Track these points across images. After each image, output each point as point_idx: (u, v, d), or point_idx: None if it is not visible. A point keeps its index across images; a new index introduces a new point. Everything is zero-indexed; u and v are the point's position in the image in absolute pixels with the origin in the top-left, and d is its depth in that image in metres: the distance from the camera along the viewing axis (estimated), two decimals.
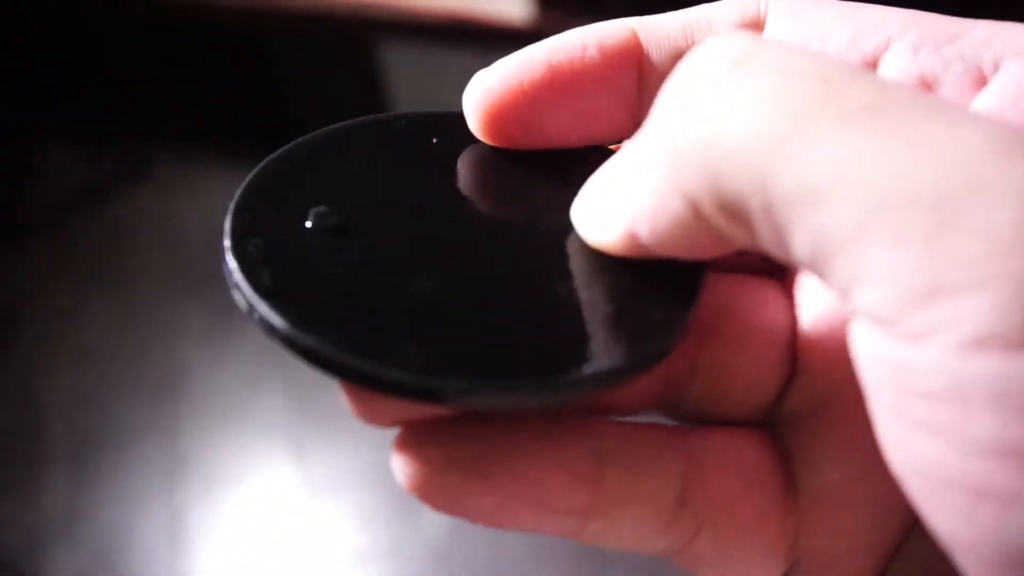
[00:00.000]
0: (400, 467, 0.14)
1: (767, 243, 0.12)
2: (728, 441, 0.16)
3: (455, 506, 0.14)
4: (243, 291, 0.14)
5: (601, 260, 0.15)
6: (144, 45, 1.38)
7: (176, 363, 1.20)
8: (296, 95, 1.32)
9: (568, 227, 0.16)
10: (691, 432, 0.16)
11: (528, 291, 0.15)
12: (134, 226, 1.35)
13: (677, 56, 0.16)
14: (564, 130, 0.16)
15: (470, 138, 0.17)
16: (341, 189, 0.16)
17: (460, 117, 0.17)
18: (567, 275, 0.15)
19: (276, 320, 0.13)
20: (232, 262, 0.14)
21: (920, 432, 0.11)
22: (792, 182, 0.11)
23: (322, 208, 0.15)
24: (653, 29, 0.16)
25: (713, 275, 0.16)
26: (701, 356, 0.16)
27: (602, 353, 0.14)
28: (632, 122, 0.16)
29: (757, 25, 0.16)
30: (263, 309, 0.14)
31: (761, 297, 0.16)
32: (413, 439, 0.15)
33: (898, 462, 0.11)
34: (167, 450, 1.11)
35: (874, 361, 0.11)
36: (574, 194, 0.16)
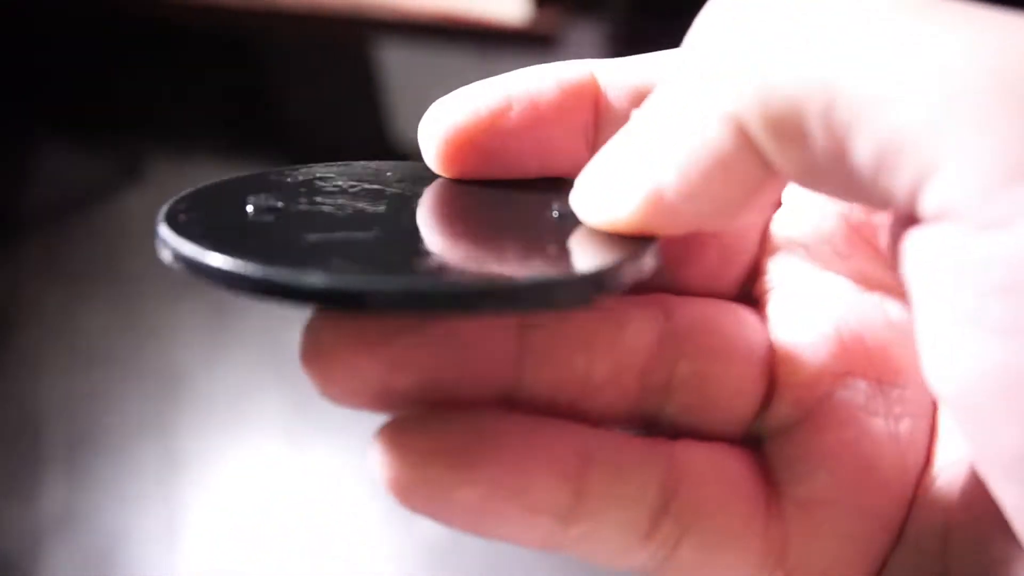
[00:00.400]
0: (380, 460, 0.14)
1: (819, 158, 0.12)
2: (709, 451, 0.16)
3: (437, 501, 0.14)
4: (168, 241, 0.13)
5: (551, 228, 0.15)
6: (137, 45, 1.38)
7: (172, 363, 1.19)
8: (291, 95, 1.32)
9: (516, 222, 0.16)
10: (672, 442, 0.15)
11: (465, 239, 0.15)
12: (128, 226, 1.35)
13: (634, 95, 0.16)
14: (520, 161, 0.16)
15: (428, 175, 0.17)
16: (287, 188, 0.16)
17: (422, 163, 0.17)
18: (509, 235, 0.15)
19: (195, 251, 0.13)
20: (162, 226, 0.14)
21: (998, 335, 0.10)
22: (860, 76, 0.11)
23: (263, 195, 0.15)
24: (611, 71, 0.16)
25: (689, 298, 0.16)
26: (680, 369, 0.16)
27: (537, 271, 0.13)
28: (588, 155, 0.16)
29: None
30: (185, 247, 0.13)
31: (736, 317, 0.16)
32: (395, 431, 0.14)
33: (965, 377, 0.11)
34: (164, 450, 1.11)
35: (945, 265, 0.11)
36: (524, 203, 0.16)
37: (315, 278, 0.12)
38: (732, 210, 0.14)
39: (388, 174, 0.17)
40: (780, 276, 0.17)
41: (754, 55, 0.12)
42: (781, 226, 0.17)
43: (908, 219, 0.12)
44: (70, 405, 1.16)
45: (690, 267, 0.17)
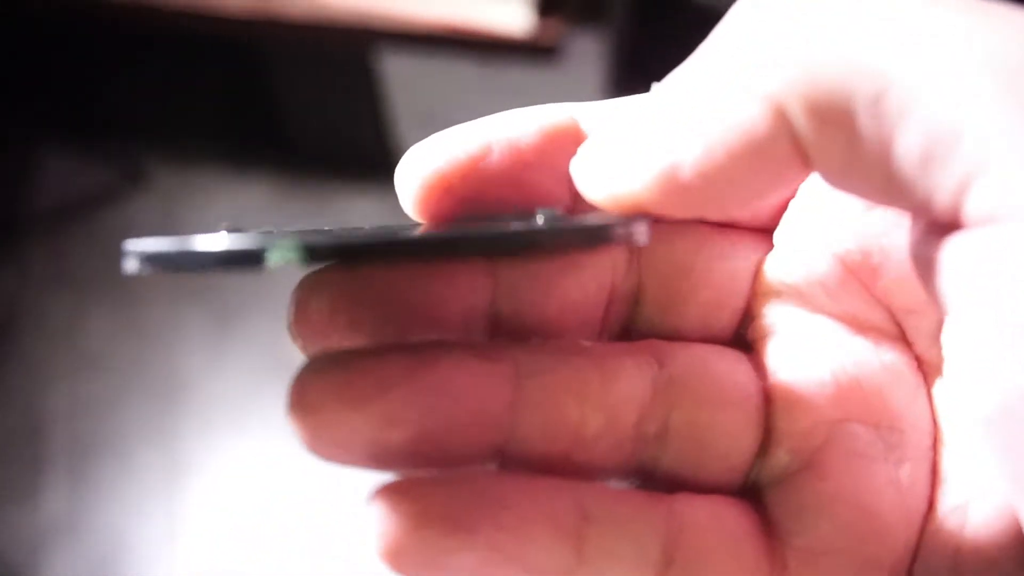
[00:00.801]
0: (373, 525, 0.13)
1: (862, 149, 0.12)
2: (708, 504, 0.15)
3: (433, 567, 0.13)
4: (133, 249, 0.13)
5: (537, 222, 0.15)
6: (142, 53, 1.38)
7: (175, 369, 1.20)
8: (294, 104, 1.32)
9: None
10: (671, 496, 0.15)
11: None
12: (132, 233, 1.34)
13: None
14: (501, 205, 0.16)
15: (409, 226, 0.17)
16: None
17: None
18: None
19: (163, 244, 0.13)
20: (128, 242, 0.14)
21: None
22: (914, 66, 0.11)
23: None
24: (592, 113, 0.16)
25: (682, 343, 0.16)
26: (674, 418, 0.15)
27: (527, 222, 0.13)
28: (569, 196, 0.16)
29: None
30: (151, 244, 0.13)
31: (730, 362, 0.16)
32: (388, 495, 0.13)
33: (1016, 386, 0.10)
34: (166, 455, 1.11)
35: (999, 269, 0.11)
36: (508, 217, 0.16)
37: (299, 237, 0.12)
38: (746, 200, 0.13)
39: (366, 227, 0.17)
40: (773, 320, 0.16)
41: (799, 37, 0.12)
42: (773, 269, 0.17)
43: (944, 227, 0.12)
44: (73, 410, 1.16)
45: (682, 312, 0.16)
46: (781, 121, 0.12)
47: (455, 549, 0.13)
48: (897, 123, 0.11)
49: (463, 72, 0.99)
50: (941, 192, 0.11)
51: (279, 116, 1.33)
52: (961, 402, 0.12)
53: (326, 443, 0.13)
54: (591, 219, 0.14)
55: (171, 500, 1.08)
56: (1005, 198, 0.10)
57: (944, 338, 0.13)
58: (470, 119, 0.16)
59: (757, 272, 0.17)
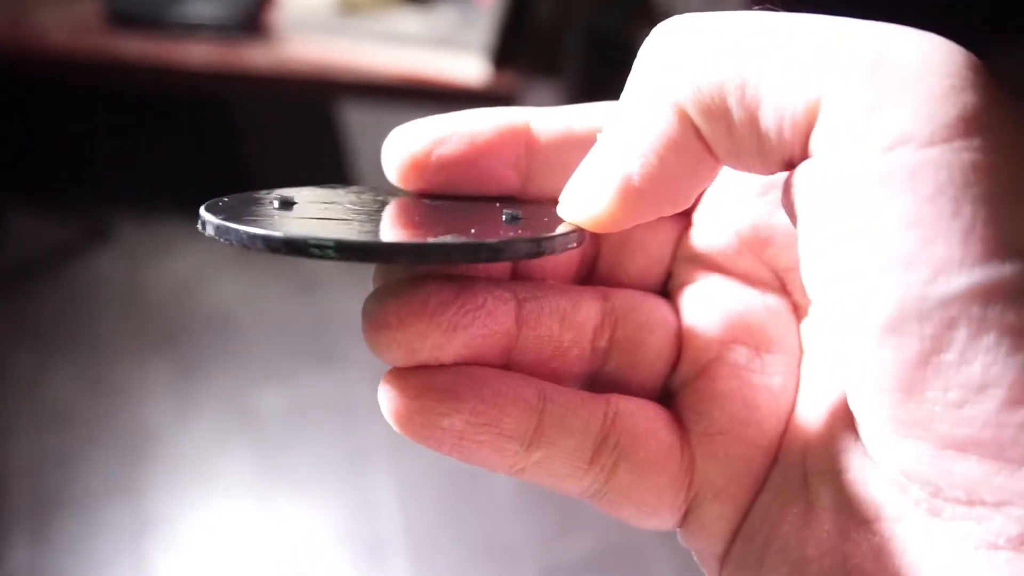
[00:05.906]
0: (385, 397, 0.17)
1: (739, 128, 0.16)
2: (635, 401, 0.19)
3: (429, 429, 0.17)
4: (203, 218, 0.17)
5: (502, 221, 0.18)
6: (106, 109, 1.39)
7: (141, 423, 1.19)
8: (257, 157, 1.34)
9: (476, 219, 0.19)
10: (607, 394, 0.19)
11: (445, 223, 0.18)
12: (96, 288, 1.35)
13: (562, 136, 0.20)
14: (459, 182, 0.20)
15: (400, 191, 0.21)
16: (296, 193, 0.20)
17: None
18: (474, 223, 0.18)
19: (213, 219, 0.17)
20: (202, 210, 0.17)
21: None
22: (759, 67, 0.15)
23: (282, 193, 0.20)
24: (543, 117, 0.20)
25: (620, 288, 0.21)
26: (617, 335, 0.20)
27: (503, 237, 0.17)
28: (519, 182, 0.21)
29: None
30: (208, 217, 0.17)
31: (655, 303, 0.21)
32: (397, 376, 0.17)
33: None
34: (132, 511, 1.10)
35: (842, 178, 0.14)
36: (482, 208, 0.20)
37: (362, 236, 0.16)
38: (683, 192, 0.17)
39: (379, 198, 0.21)
40: (687, 277, 0.21)
41: (690, 54, 0.16)
42: (690, 241, 0.22)
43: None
44: (36, 465, 1.15)
45: (625, 269, 0.22)
46: (685, 121, 0.16)
47: (445, 413, 0.17)
48: (756, 108, 0.15)
49: None
50: (795, 151, 0.15)
51: (243, 168, 1.34)
52: (838, 327, 0.15)
53: (404, 350, 0.17)
54: (545, 230, 0.18)
55: (138, 556, 1.07)
56: (823, 143, 0.15)
57: (804, 278, 0.16)
58: None
59: (678, 243, 0.22)
